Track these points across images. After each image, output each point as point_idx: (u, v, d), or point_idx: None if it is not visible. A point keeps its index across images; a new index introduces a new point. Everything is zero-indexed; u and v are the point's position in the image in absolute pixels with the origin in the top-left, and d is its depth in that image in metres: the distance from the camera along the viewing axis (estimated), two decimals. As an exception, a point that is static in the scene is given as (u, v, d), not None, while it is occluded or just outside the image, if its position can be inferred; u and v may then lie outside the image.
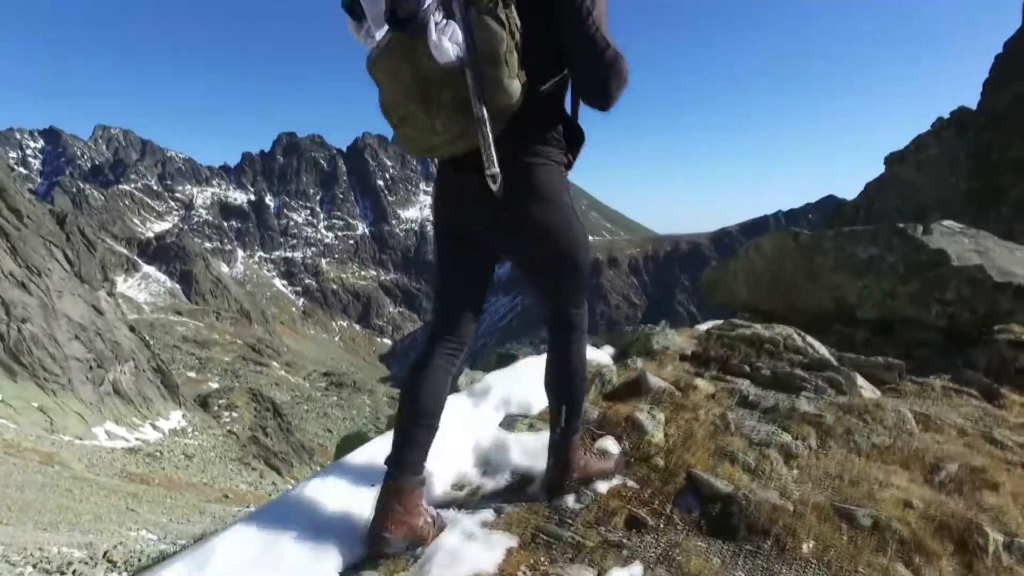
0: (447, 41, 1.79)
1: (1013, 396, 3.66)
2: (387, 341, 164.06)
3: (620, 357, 3.37)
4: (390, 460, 2.12)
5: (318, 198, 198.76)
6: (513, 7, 1.85)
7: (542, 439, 2.45)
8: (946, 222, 4.98)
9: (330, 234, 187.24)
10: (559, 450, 2.33)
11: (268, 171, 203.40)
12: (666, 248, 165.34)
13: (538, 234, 2.06)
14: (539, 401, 2.86)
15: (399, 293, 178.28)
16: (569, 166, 2.14)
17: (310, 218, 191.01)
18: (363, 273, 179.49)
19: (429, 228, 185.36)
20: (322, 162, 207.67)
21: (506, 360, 3.57)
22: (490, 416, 2.75)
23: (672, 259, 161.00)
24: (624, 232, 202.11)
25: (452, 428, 2.42)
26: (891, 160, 24.50)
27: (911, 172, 22.58)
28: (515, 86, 1.86)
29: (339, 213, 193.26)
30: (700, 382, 2.95)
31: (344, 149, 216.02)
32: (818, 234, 4.79)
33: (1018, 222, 19.79)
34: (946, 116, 25.59)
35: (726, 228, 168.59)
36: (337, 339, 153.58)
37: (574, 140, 2.12)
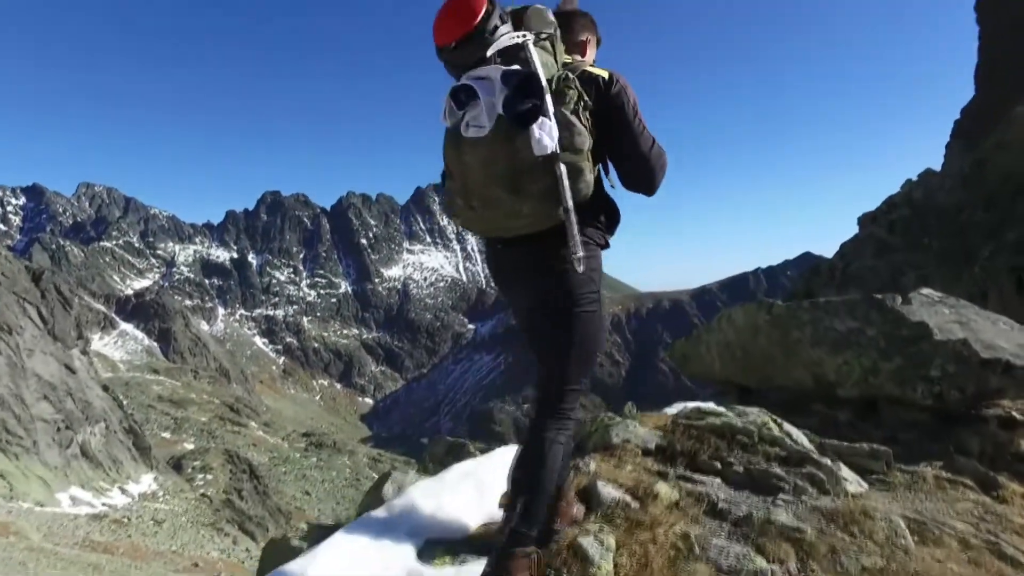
0: (546, 137, 2.00)
1: (1013, 486, 3.32)
2: (368, 400, 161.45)
3: (576, 452, 2.95)
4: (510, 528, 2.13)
5: (301, 256, 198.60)
6: (589, 112, 2.14)
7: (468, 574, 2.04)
8: (925, 291, 4.74)
9: (312, 292, 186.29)
10: (501, 559, 2.10)
11: (251, 229, 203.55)
12: (648, 305, 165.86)
13: (560, 319, 2.27)
14: (472, 520, 2.43)
15: (381, 352, 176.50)
16: (606, 246, 2.36)
17: (293, 276, 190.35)
18: (345, 331, 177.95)
19: (412, 287, 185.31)
20: (306, 220, 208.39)
21: (456, 451, 3.16)
22: (405, 546, 2.28)
23: (654, 316, 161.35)
24: (606, 290, 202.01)
25: (359, 559, 2.01)
26: (865, 220, 24.76)
27: (884, 232, 22.81)
28: (591, 178, 2.12)
29: (322, 271, 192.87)
30: (662, 488, 2.57)
31: (328, 208, 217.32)
32: (793, 305, 4.50)
33: (991, 283, 19.95)
34: (914, 178, 26.15)
35: (707, 285, 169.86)
36: (318, 398, 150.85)
37: (613, 221, 2.36)
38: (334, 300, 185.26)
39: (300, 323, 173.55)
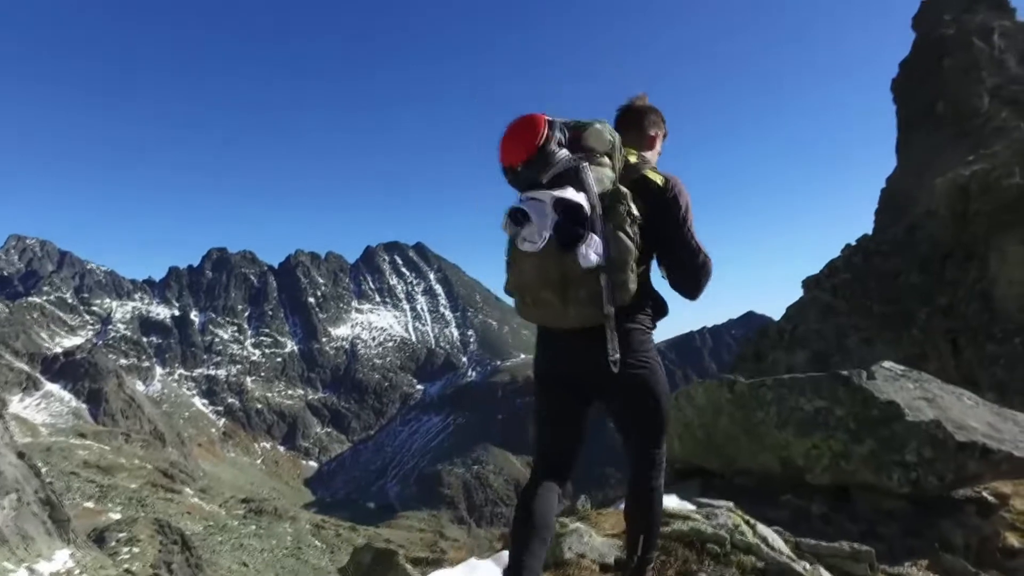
0: (592, 253, 2.27)
1: (1003, 587, 3.01)
2: (313, 464, 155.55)
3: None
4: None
5: (246, 314, 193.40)
6: (637, 226, 2.37)
7: None
8: (887, 364, 4.54)
9: (257, 351, 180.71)
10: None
11: (195, 286, 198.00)
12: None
13: (637, 389, 2.54)
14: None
15: (327, 413, 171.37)
16: (653, 328, 2.62)
17: (237, 335, 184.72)
18: (290, 392, 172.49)
19: (360, 346, 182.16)
20: (252, 278, 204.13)
21: (384, 562, 2.69)
22: None
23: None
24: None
25: None
26: (809, 283, 25.39)
27: (828, 296, 23.39)
28: (634, 287, 2.36)
29: (267, 330, 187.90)
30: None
31: (276, 266, 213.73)
32: (756, 383, 4.22)
33: (929, 344, 20.53)
34: (853, 243, 27.10)
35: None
36: (259, 462, 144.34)
37: (659, 312, 2.64)
38: (279, 359, 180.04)
39: (243, 383, 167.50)
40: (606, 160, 2.42)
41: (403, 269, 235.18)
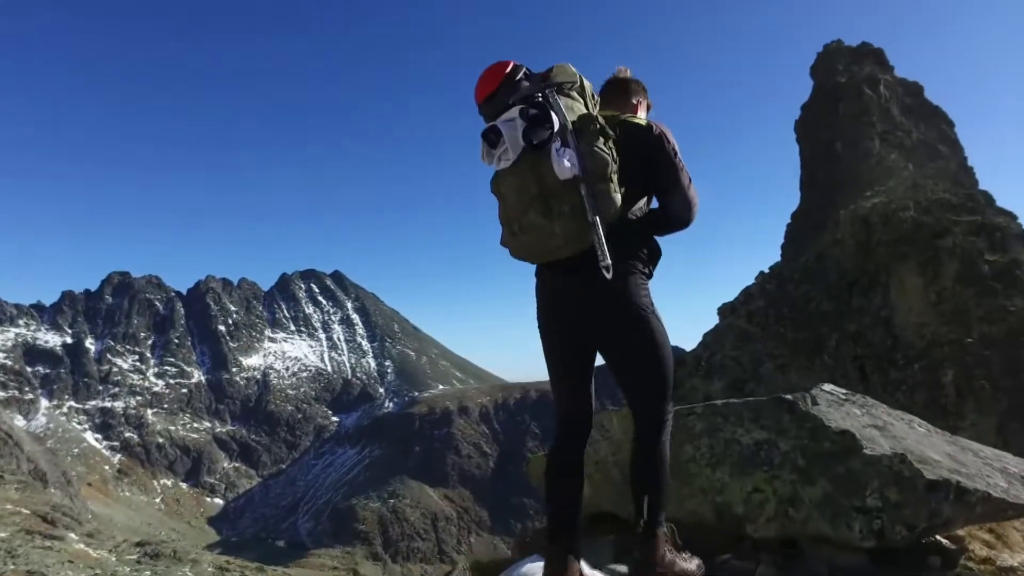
0: (566, 161, 2.33)
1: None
2: (218, 501, 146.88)
3: None
4: (558, 539, 2.56)
5: (149, 343, 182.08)
6: (612, 143, 2.45)
7: None
8: (827, 387, 4.00)
9: (160, 382, 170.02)
10: (645, 545, 2.59)
11: (92, 312, 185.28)
12: (515, 396, 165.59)
13: (631, 328, 2.55)
14: None
15: (236, 447, 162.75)
16: (650, 276, 2.69)
17: (138, 364, 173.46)
18: (195, 425, 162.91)
19: (273, 376, 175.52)
20: (158, 304, 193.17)
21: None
22: None
23: (522, 407, 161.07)
24: (474, 380, 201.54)
25: None
26: (724, 311, 25.79)
27: (744, 322, 23.73)
28: (618, 198, 2.42)
29: (172, 359, 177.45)
30: None
31: (184, 292, 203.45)
32: (683, 410, 3.51)
33: (838, 370, 21.06)
34: (766, 270, 27.88)
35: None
36: (158, 500, 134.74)
37: (654, 257, 2.71)
38: (184, 391, 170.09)
39: (143, 416, 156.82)
40: (576, 95, 2.55)
41: (320, 297, 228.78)
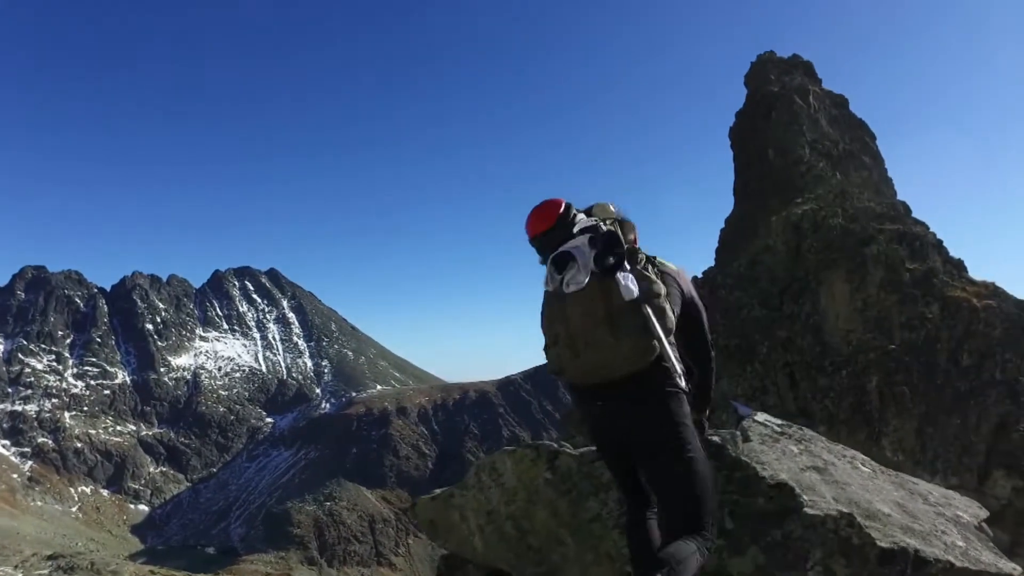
0: (631, 283, 2.61)
1: None
2: (143, 508, 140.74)
3: None
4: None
5: (68, 342, 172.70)
6: (654, 271, 2.81)
7: None
8: (760, 417, 3.68)
9: (80, 383, 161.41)
10: None
11: (2, 309, 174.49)
12: (454, 396, 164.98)
13: (676, 452, 2.65)
14: None
15: (163, 450, 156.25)
16: (701, 399, 2.99)
17: (55, 364, 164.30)
18: (119, 428, 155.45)
19: (204, 376, 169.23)
20: (78, 301, 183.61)
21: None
22: None
23: (461, 407, 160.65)
24: (413, 381, 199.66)
25: None
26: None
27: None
28: (672, 316, 2.74)
29: (94, 359, 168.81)
30: None
31: (108, 288, 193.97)
32: (590, 454, 3.06)
33: (769, 378, 21.42)
34: (699, 276, 28.25)
35: (511, 376, 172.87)
36: (75, 509, 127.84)
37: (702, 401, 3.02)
38: (107, 392, 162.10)
39: (60, 420, 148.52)
40: (616, 227, 2.85)
41: (254, 296, 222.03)
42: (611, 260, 2.61)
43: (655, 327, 2.54)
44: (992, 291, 25.37)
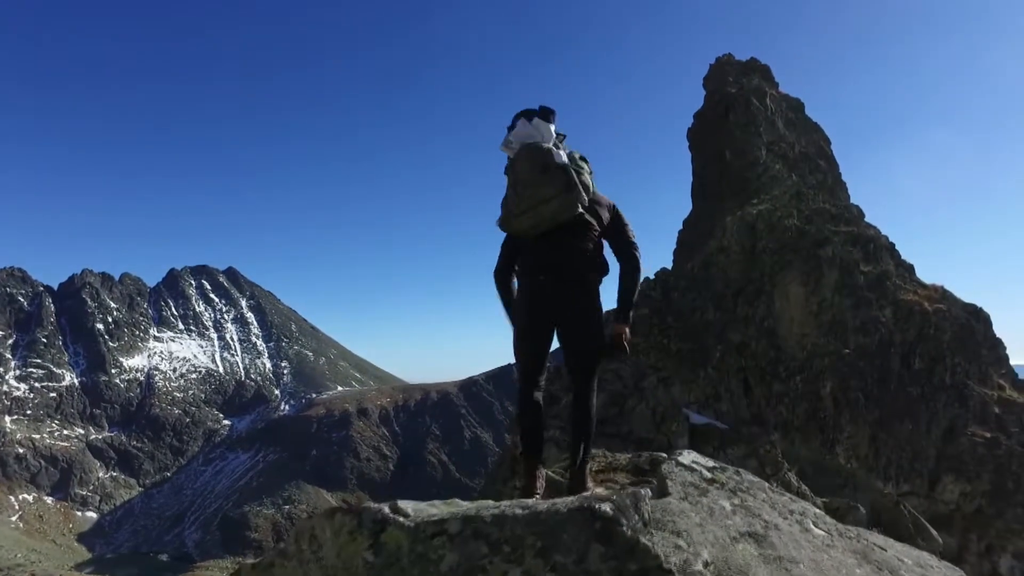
0: (563, 153, 3.82)
1: None
2: (91, 515, 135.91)
3: None
4: (529, 452, 3.90)
5: (10, 342, 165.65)
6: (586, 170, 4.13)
7: None
8: (686, 458, 2.94)
9: (22, 385, 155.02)
10: (576, 477, 3.76)
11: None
12: (416, 397, 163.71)
13: (586, 316, 3.88)
14: None
15: (113, 455, 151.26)
16: (599, 283, 4.07)
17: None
18: (65, 432, 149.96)
19: (158, 378, 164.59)
20: (22, 299, 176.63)
21: None
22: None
23: (422, 408, 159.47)
24: (374, 382, 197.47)
25: None
26: (607, 319, 25.32)
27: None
28: (589, 182, 3.99)
29: (39, 360, 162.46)
30: None
31: (55, 286, 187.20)
32: (427, 525, 2.22)
33: (723, 384, 21.01)
34: (651, 277, 27.79)
35: (473, 377, 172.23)
36: (15, 519, 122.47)
37: (604, 271, 4.06)
38: (53, 395, 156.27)
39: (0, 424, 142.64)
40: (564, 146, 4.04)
41: (212, 295, 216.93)
42: (534, 128, 3.84)
43: (578, 191, 3.76)
44: (941, 295, 25.46)
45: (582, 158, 4.03)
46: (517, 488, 4.57)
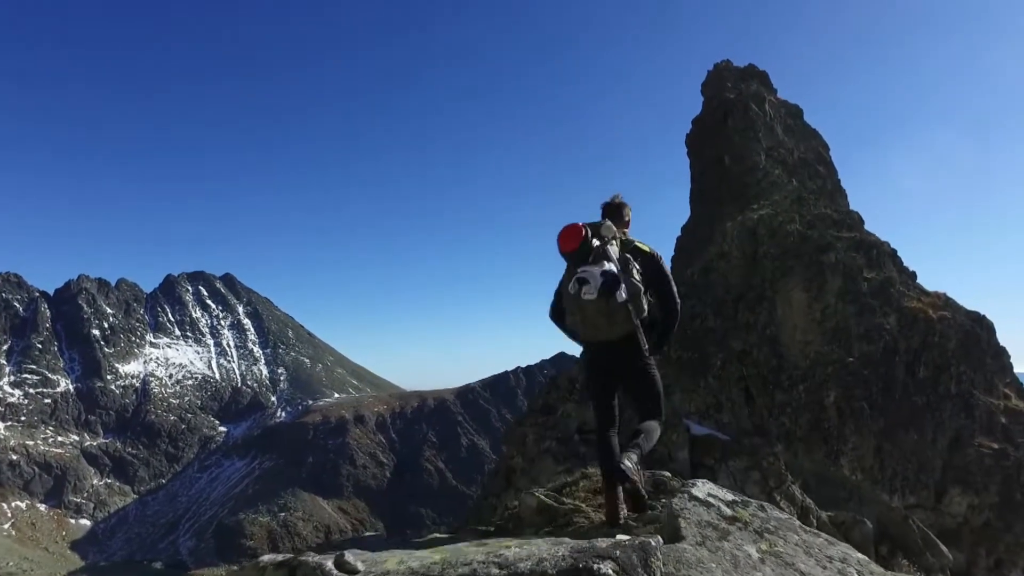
0: (622, 294, 4.45)
1: None
2: (85, 522, 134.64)
3: None
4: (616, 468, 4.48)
5: (5, 348, 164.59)
6: (638, 272, 4.68)
7: None
8: (701, 489, 2.54)
9: (17, 391, 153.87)
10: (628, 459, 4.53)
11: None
12: (413, 404, 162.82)
13: (646, 375, 4.74)
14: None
15: (108, 461, 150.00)
16: (660, 343, 4.99)
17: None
18: (60, 439, 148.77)
19: (154, 384, 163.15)
20: (17, 305, 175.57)
21: None
22: None
23: (419, 415, 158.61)
24: (371, 388, 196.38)
25: None
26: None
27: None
28: (647, 307, 4.66)
29: (34, 366, 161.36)
30: None
31: (51, 292, 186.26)
32: None
33: (724, 392, 20.50)
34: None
35: (470, 384, 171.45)
36: (7, 526, 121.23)
37: (662, 339, 5.03)
38: (48, 401, 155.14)
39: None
40: (614, 241, 4.76)
41: (208, 301, 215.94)
42: (610, 288, 4.41)
43: (634, 317, 4.49)
44: (945, 302, 24.99)
45: (620, 204, 5.28)
46: (509, 509, 5.49)
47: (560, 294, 4.91)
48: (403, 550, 2.23)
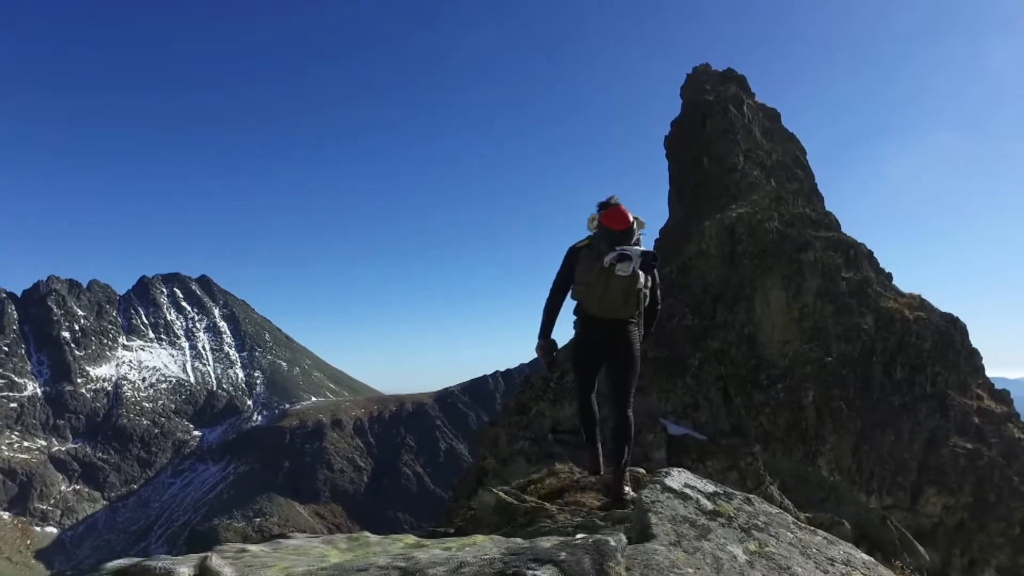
0: (642, 280, 4.95)
1: None
2: (51, 530, 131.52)
3: None
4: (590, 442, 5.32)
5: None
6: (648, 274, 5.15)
7: None
8: (677, 479, 2.14)
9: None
10: (616, 480, 5.08)
11: None
12: (391, 408, 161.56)
13: (631, 353, 5.03)
14: None
15: (77, 467, 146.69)
16: (645, 336, 5.44)
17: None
18: (26, 444, 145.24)
19: (126, 388, 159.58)
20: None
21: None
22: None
23: (397, 419, 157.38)
24: (349, 392, 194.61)
25: None
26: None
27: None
28: (647, 298, 5.13)
29: (0, 369, 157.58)
30: None
31: (19, 293, 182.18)
32: None
33: (701, 391, 20.27)
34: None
35: (449, 388, 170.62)
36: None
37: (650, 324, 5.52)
38: (15, 405, 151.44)
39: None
40: (639, 233, 5.23)
41: (184, 303, 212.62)
42: (646, 267, 4.96)
43: (641, 303, 5.02)
44: (920, 303, 25.08)
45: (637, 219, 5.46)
46: (472, 510, 5.78)
47: (565, 274, 5.21)
48: (298, 554, 1.78)
